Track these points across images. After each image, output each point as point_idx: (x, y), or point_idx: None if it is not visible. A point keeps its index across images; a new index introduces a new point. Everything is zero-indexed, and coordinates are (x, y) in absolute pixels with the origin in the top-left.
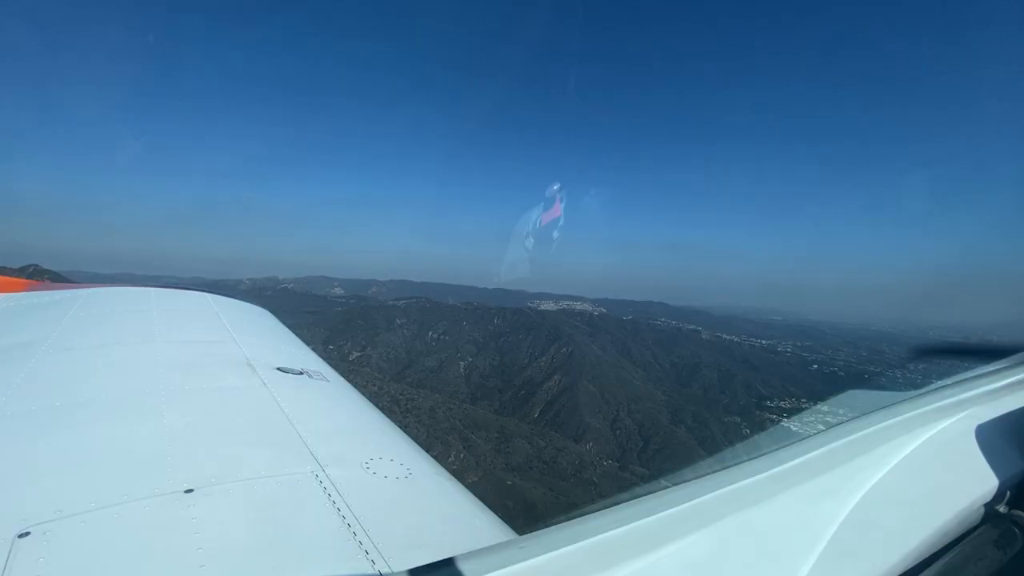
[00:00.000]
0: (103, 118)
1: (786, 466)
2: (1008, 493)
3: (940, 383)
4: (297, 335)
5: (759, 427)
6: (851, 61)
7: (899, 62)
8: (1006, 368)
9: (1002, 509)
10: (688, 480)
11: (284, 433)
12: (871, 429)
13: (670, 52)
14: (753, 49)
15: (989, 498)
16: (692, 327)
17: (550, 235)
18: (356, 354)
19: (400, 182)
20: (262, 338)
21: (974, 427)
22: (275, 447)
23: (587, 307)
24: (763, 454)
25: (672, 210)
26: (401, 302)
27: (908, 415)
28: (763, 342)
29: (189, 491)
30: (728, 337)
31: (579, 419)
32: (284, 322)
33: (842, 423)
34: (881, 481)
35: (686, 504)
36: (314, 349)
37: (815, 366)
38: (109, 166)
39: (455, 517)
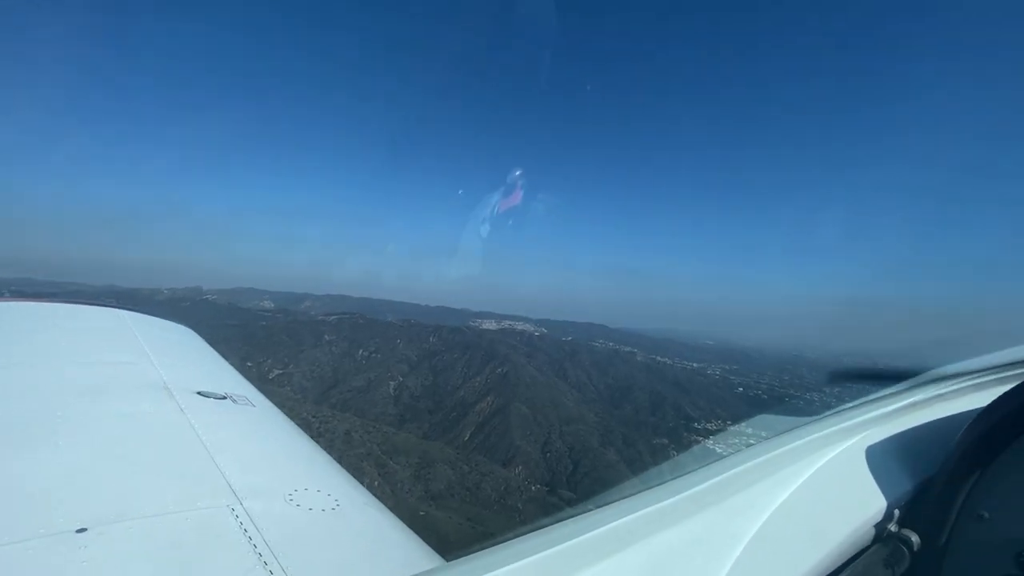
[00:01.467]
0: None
1: (699, 488)
2: (897, 512)
3: (840, 407)
4: (214, 350)
5: (685, 449)
6: (783, 99)
7: (818, 102)
8: (897, 392)
9: (893, 528)
10: (606, 504)
11: (199, 463)
12: (776, 452)
13: (614, 84)
14: (689, 84)
15: (880, 518)
16: (629, 349)
17: (496, 252)
18: (277, 372)
19: (344, 194)
20: (183, 360)
21: (867, 449)
22: (187, 479)
23: (528, 327)
24: (677, 476)
25: (617, 236)
26: (332, 317)
27: (809, 438)
28: (694, 365)
29: (81, 530)
30: (662, 359)
31: (509, 442)
32: (203, 336)
33: (751, 446)
34: (784, 502)
35: (603, 528)
36: (230, 366)
37: (740, 389)
38: (6, 158)
39: (385, 551)
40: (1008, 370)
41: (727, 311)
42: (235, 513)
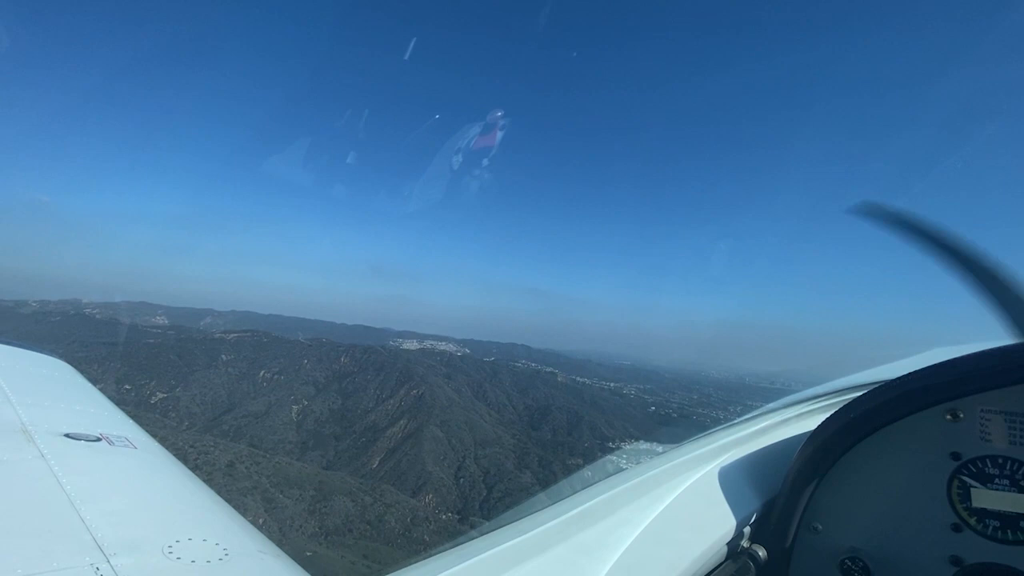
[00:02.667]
0: None
1: (572, 513)
2: (748, 529)
3: (702, 433)
4: (83, 372)
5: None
6: (696, 128)
7: (715, 136)
8: (752, 417)
9: (744, 544)
10: (480, 535)
11: (60, 516)
12: (642, 478)
13: (539, 109)
14: (606, 116)
15: (733, 535)
16: (550, 370)
17: (425, 272)
18: (160, 395)
19: (255, 203)
20: (50, 397)
21: (722, 471)
22: (44, 536)
23: (451, 347)
24: (552, 504)
25: (543, 257)
26: (232, 336)
27: (673, 463)
28: (611, 385)
29: None
30: (582, 380)
31: (421, 468)
32: (72, 355)
33: (619, 473)
34: (648, 527)
35: (474, 559)
36: (103, 389)
37: (653, 408)
38: None
39: None
40: (837, 396)
41: (644, 332)
42: (100, 572)
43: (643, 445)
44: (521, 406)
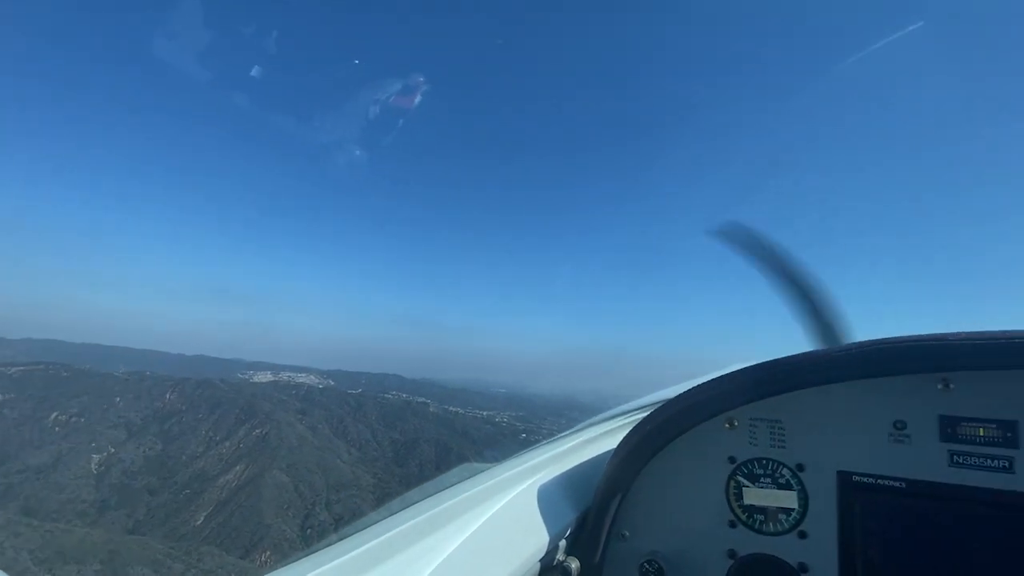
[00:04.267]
0: None
1: (378, 540)
2: (563, 543)
3: (524, 450)
4: None
5: None
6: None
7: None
8: (571, 433)
9: (560, 557)
10: (295, 560)
11: None
12: (461, 497)
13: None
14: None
15: (548, 549)
16: (422, 400)
17: (288, 298)
18: None
19: (79, 204)
20: None
21: (542, 487)
22: None
23: (312, 379)
24: (371, 524)
25: (417, 283)
26: (14, 370)
27: (494, 481)
28: (484, 413)
29: None
30: (454, 409)
31: (258, 521)
32: None
33: (441, 491)
34: (461, 546)
35: None
36: None
37: (524, 435)
38: None
39: None
40: (646, 410)
41: (522, 358)
42: None
43: (471, 467)
44: (386, 441)
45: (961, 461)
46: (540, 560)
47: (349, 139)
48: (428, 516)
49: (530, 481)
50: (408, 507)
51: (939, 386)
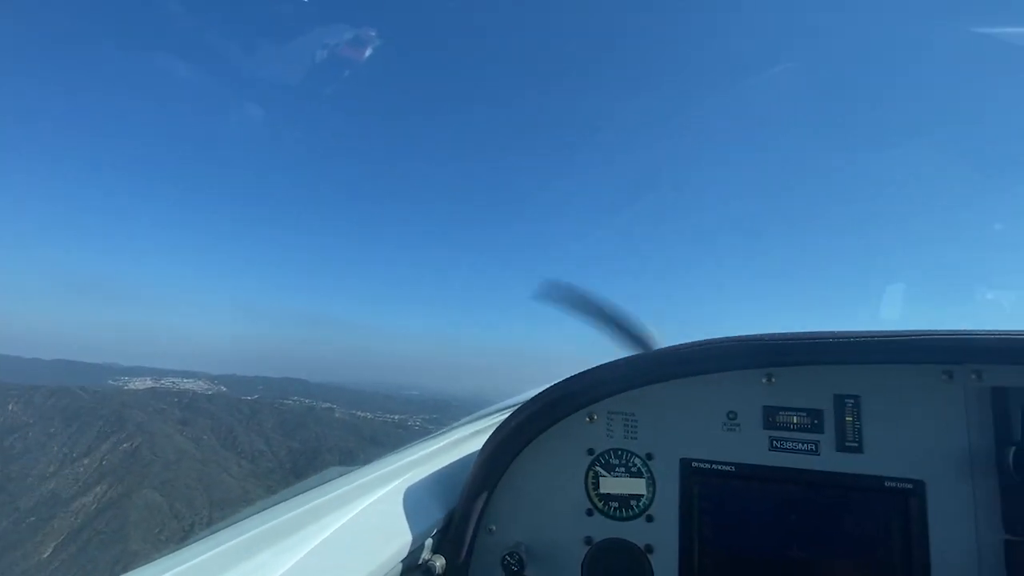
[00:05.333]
0: None
1: (248, 535)
2: (430, 541)
3: (393, 451)
4: None
5: None
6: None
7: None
8: (441, 433)
9: (426, 555)
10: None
11: None
12: (328, 497)
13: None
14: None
15: (412, 548)
16: (327, 405)
17: (179, 295)
18: None
19: None
20: None
21: (409, 488)
22: None
23: (201, 385)
24: (229, 526)
25: (327, 282)
26: None
27: (364, 480)
28: (396, 417)
29: None
30: (363, 414)
31: (122, 548)
32: None
33: (304, 493)
34: (320, 545)
35: None
36: None
37: None
38: None
39: None
40: (509, 409)
41: (438, 360)
42: None
43: (339, 469)
44: (284, 450)
45: (778, 446)
46: (403, 560)
47: (246, 96)
48: (288, 518)
49: (396, 482)
50: (268, 508)
51: (764, 380)
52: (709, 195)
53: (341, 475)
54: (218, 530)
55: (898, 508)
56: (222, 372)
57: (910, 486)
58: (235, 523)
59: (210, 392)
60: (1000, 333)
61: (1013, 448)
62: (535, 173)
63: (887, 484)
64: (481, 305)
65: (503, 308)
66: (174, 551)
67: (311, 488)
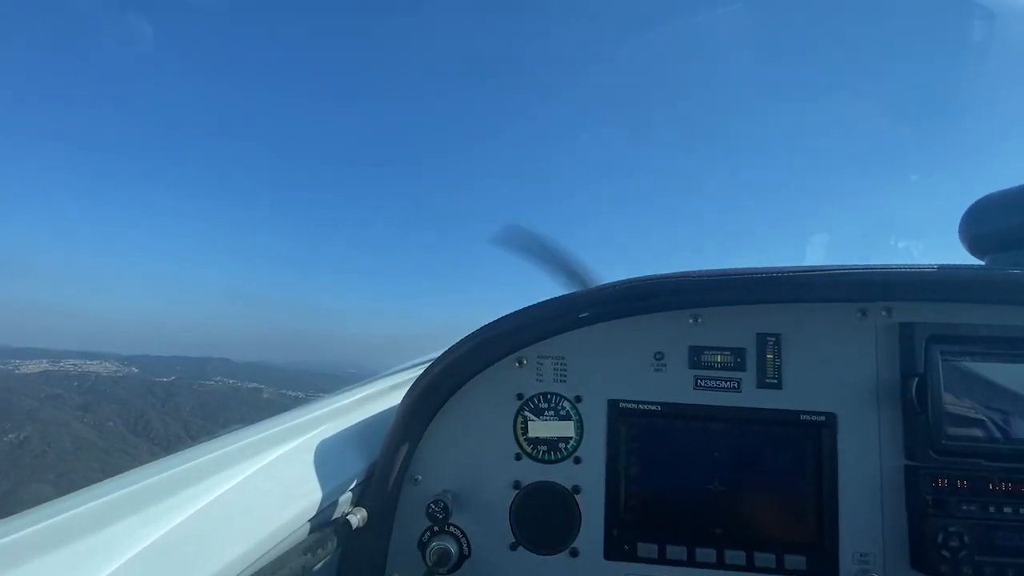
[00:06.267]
0: None
1: (137, 486)
2: (350, 494)
3: (302, 406)
4: None
5: None
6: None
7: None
8: (355, 387)
9: (346, 508)
10: (34, 506)
11: None
12: (223, 451)
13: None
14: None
15: (330, 502)
16: (254, 385)
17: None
18: None
19: None
20: None
21: (322, 442)
22: None
23: (107, 367)
24: (125, 474)
25: (250, 251)
26: None
27: (262, 435)
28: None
29: None
30: (294, 394)
31: None
32: None
33: (196, 446)
34: (219, 499)
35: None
36: None
37: None
38: None
39: None
40: (427, 363)
41: (380, 337)
42: None
43: (240, 425)
44: (204, 435)
45: (703, 384)
46: (314, 515)
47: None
48: (183, 469)
49: (311, 434)
50: (161, 459)
51: (690, 320)
52: (642, 140)
53: (248, 427)
54: (103, 483)
55: (812, 440)
56: (133, 353)
57: (823, 419)
58: (123, 475)
59: (119, 374)
60: (907, 266)
61: (916, 379)
62: (466, 121)
63: (802, 418)
64: (427, 274)
65: (444, 276)
66: (53, 502)
67: (214, 439)
